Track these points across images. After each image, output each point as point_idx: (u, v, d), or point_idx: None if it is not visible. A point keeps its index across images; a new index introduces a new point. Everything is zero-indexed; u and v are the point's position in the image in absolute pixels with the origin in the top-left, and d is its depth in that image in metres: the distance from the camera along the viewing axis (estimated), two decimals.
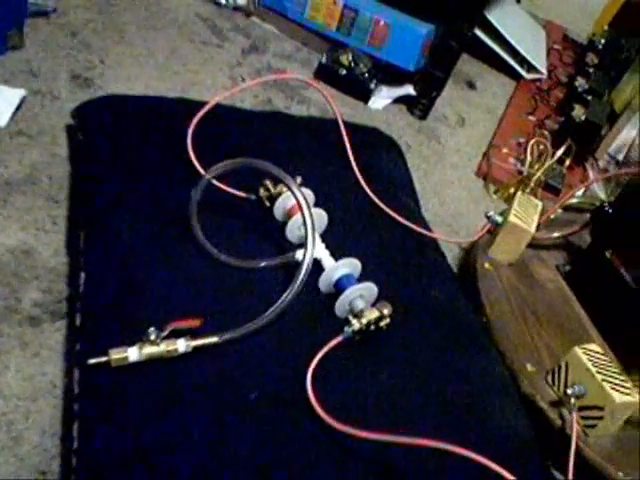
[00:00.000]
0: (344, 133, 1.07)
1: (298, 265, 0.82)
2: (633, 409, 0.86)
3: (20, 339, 0.79)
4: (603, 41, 1.89)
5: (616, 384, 0.85)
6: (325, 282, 0.87)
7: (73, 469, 0.65)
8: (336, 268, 0.86)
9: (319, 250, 0.88)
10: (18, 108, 1.05)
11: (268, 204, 0.94)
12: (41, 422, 0.72)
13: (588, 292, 1.08)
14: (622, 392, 0.85)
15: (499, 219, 1.08)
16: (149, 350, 0.71)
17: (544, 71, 1.79)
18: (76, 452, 0.66)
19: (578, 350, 0.88)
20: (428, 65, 1.45)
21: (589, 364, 0.86)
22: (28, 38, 1.18)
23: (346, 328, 0.80)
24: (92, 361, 0.69)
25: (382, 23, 1.39)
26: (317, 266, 0.87)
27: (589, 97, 1.56)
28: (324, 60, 1.44)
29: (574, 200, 1.26)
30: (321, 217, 0.93)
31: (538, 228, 1.09)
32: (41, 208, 0.93)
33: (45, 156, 1.00)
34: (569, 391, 0.86)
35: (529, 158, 1.41)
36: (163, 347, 0.71)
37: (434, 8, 1.42)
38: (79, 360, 0.72)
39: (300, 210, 0.84)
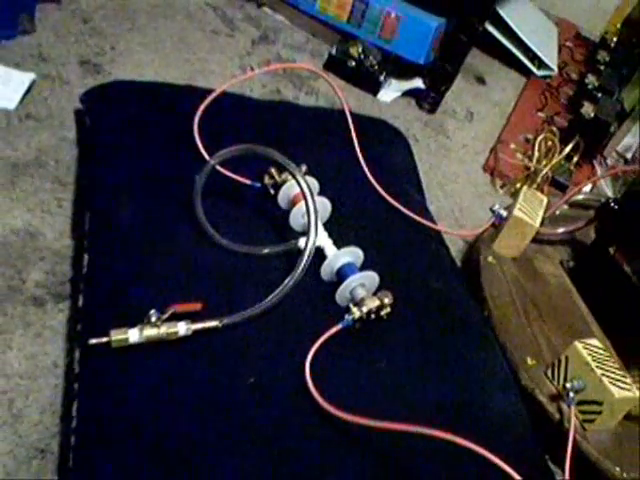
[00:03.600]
0: (351, 124, 1.07)
1: (300, 253, 0.83)
2: (632, 404, 0.86)
3: (23, 319, 0.79)
4: (615, 39, 1.88)
5: (615, 379, 0.85)
6: (327, 270, 0.87)
7: (72, 448, 0.66)
8: (338, 256, 0.87)
9: (322, 238, 0.88)
10: (28, 92, 1.06)
11: (273, 192, 0.94)
12: (42, 401, 0.73)
13: (591, 288, 1.08)
14: (621, 387, 0.85)
15: (504, 213, 1.08)
16: (150, 332, 0.71)
17: (555, 68, 1.78)
18: (75, 431, 0.67)
19: (578, 344, 0.88)
20: (438, 59, 1.45)
21: (589, 359, 0.87)
22: (39, 23, 1.19)
23: (346, 316, 0.80)
24: (93, 341, 0.69)
25: (393, 16, 1.39)
26: (320, 254, 0.88)
27: (599, 95, 1.56)
28: (334, 52, 1.44)
29: (580, 196, 1.25)
30: (325, 206, 0.93)
31: (543, 223, 1.09)
32: (47, 191, 0.94)
33: (53, 140, 1.01)
34: (568, 385, 0.86)
35: (537, 154, 1.41)
36: (164, 329, 0.72)
37: (445, 1, 1.42)
38: (80, 340, 0.73)
39: (304, 198, 0.84)
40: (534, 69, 1.75)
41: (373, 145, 1.13)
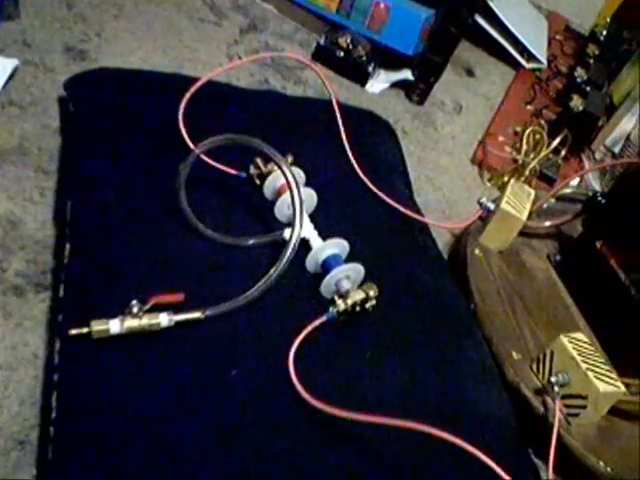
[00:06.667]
0: (338, 114, 1.06)
1: (285, 244, 0.82)
2: (616, 399, 0.86)
3: (3, 309, 0.78)
4: (605, 33, 1.88)
5: (601, 373, 0.85)
6: (312, 262, 0.86)
7: (51, 439, 0.65)
8: (323, 248, 0.86)
9: (307, 230, 0.88)
10: (10, 78, 1.04)
11: (258, 182, 0.93)
12: (21, 392, 0.72)
13: (577, 282, 1.08)
14: (606, 382, 0.85)
15: (491, 206, 1.08)
16: (131, 323, 0.70)
17: (544, 61, 1.78)
18: (54, 422, 0.66)
19: (564, 338, 0.88)
20: (427, 50, 1.44)
21: (574, 353, 0.86)
22: (23, 8, 1.17)
23: (331, 308, 0.80)
24: (73, 332, 0.69)
25: (382, 6, 1.38)
26: (305, 246, 0.87)
27: (588, 88, 1.55)
28: (322, 42, 1.42)
29: (568, 190, 1.25)
30: (311, 197, 0.92)
31: (530, 217, 1.08)
32: (30, 179, 0.93)
33: (36, 127, 1.00)
34: (553, 379, 0.86)
35: (525, 147, 1.40)
36: (145, 321, 0.71)
37: None
38: (60, 331, 0.72)
39: (289, 189, 0.83)
40: (523, 62, 1.75)
41: (361, 136, 1.12)
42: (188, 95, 0.92)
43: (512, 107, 1.59)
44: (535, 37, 1.82)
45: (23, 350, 0.76)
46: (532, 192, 1.11)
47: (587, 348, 0.88)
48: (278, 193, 0.91)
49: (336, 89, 1.12)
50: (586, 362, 0.86)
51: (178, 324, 0.73)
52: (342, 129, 1.06)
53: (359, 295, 0.81)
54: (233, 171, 0.93)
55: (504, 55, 1.75)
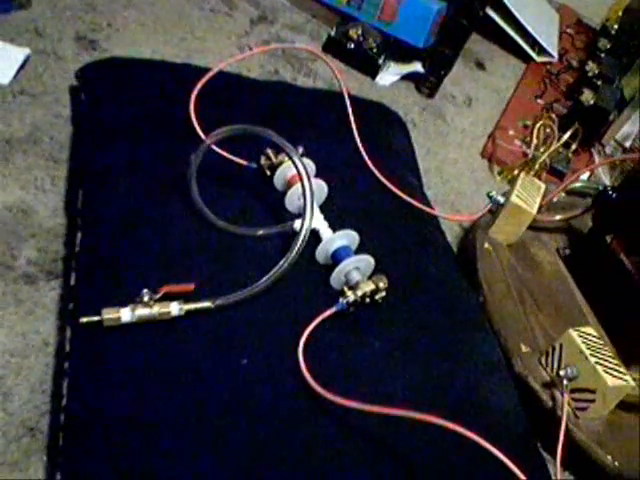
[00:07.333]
0: (349, 106, 1.06)
1: (295, 235, 0.82)
2: (625, 393, 0.86)
3: (15, 296, 0.79)
4: (616, 27, 1.86)
5: (609, 367, 0.85)
6: (322, 253, 0.87)
7: (61, 426, 0.66)
8: (334, 239, 0.86)
9: (317, 221, 0.88)
10: (22, 67, 1.04)
11: (269, 173, 0.93)
12: (32, 379, 0.73)
13: (587, 276, 1.08)
14: (615, 376, 0.84)
15: (501, 199, 1.07)
16: (142, 312, 0.71)
17: (555, 54, 1.77)
18: (65, 409, 0.66)
19: (573, 332, 0.88)
20: (438, 43, 1.44)
21: (583, 346, 0.86)
22: None
23: (341, 299, 0.80)
24: (84, 320, 0.69)
25: None
26: (315, 237, 0.87)
27: (599, 82, 1.55)
28: (333, 33, 1.42)
29: (578, 184, 1.25)
30: (321, 188, 0.92)
31: (540, 210, 1.08)
32: (41, 168, 0.93)
33: (47, 116, 1.00)
34: (562, 373, 0.86)
35: (535, 141, 1.40)
36: (156, 309, 0.71)
37: None
38: (71, 319, 0.72)
39: (300, 180, 0.83)
40: (534, 55, 1.74)
41: (371, 128, 1.12)
42: (199, 85, 0.92)
43: (522, 101, 1.58)
44: (546, 30, 1.81)
45: (34, 338, 0.76)
46: (542, 186, 1.11)
47: (596, 342, 0.88)
48: (289, 184, 0.91)
49: (347, 81, 1.12)
50: (595, 356, 0.85)
51: (188, 313, 0.73)
52: (352, 121, 1.06)
53: (369, 286, 0.81)
54: (244, 162, 0.93)
55: (515, 48, 1.74)
